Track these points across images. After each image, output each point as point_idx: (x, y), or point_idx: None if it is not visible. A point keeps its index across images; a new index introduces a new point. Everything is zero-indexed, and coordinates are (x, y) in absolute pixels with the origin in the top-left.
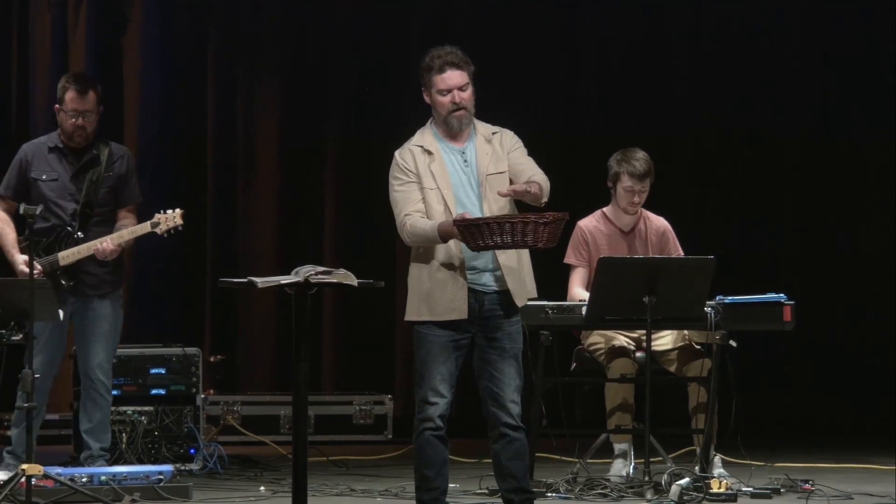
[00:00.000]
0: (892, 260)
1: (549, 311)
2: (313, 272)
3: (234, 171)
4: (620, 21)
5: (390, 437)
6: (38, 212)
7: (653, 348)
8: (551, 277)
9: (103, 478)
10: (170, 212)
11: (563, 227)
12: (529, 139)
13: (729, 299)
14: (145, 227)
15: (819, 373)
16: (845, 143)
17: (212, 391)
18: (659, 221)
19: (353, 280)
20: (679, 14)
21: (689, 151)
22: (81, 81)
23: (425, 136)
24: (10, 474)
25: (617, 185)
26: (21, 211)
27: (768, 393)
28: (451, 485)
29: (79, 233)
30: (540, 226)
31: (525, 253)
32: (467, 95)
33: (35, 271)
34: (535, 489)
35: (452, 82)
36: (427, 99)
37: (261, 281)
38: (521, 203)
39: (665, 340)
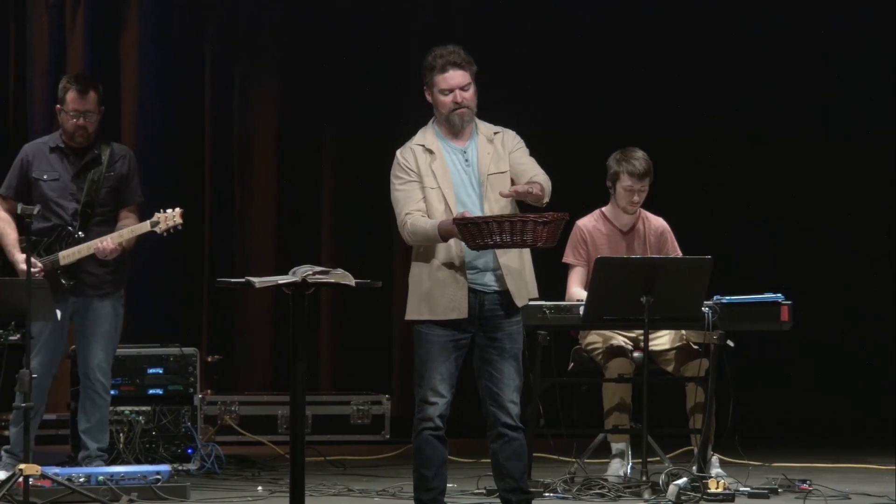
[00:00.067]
0: (892, 260)
1: (547, 311)
2: (311, 272)
3: (233, 171)
4: (620, 21)
5: (388, 437)
6: (35, 212)
7: (650, 348)
8: (551, 277)
9: (101, 478)
10: (169, 211)
11: (562, 227)
12: (529, 139)
13: (726, 299)
14: (145, 227)
15: (819, 373)
16: (845, 143)
17: (209, 391)
18: (658, 221)
19: (350, 280)
20: (679, 14)
21: (689, 151)
22: (82, 81)
23: (427, 136)
24: (9, 474)
25: (616, 185)
26: (19, 211)
27: (767, 393)
28: (448, 485)
29: (80, 232)
30: (539, 225)
31: (527, 253)
32: (469, 95)
33: (36, 269)
34: (532, 489)
35: (454, 82)
36: (429, 98)
37: (258, 281)
38: (523, 203)
39: (663, 340)
